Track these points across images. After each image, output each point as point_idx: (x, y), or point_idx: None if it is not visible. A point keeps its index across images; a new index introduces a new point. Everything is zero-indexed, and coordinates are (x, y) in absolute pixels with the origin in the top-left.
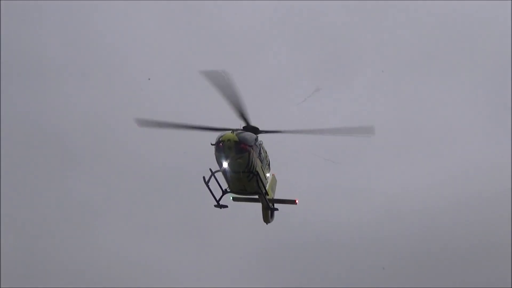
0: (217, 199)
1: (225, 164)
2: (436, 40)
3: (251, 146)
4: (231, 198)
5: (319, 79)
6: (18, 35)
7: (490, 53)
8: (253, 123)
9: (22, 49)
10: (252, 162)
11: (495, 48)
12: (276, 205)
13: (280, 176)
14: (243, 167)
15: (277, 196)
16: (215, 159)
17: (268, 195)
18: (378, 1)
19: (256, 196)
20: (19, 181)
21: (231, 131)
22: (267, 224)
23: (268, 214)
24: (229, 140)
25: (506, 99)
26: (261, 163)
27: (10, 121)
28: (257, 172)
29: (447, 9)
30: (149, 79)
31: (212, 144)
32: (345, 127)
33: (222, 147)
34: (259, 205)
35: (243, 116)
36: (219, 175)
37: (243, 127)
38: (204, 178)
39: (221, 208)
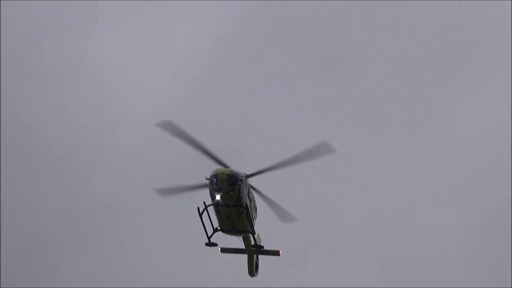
0: (208, 236)
1: (217, 197)
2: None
3: (241, 180)
4: (219, 249)
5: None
6: None
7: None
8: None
9: None
10: (242, 195)
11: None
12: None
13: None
14: (234, 200)
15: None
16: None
17: (255, 234)
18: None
19: (244, 249)
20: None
21: (224, 166)
22: (252, 277)
23: (253, 265)
24: (222, 173)
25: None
26: (250, 202)
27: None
28: (247, 205)
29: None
30: (111, 82)
31: (206, 179)
32: (304, 152)
33: (216, 180)
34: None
35: (217, 161)
36: (211, 214)
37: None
38: (198, 208)
39: (211, 246)
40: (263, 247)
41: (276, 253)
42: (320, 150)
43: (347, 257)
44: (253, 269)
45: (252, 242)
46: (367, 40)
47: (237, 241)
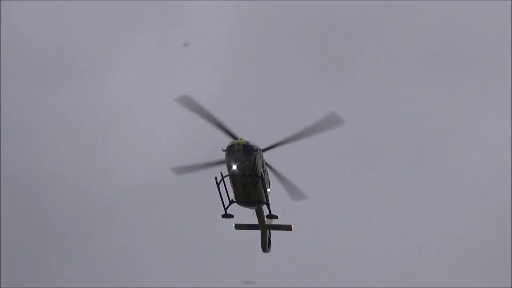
0: (225, 207)
1: (234, 167)
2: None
3: (256, 151)
4: (234, 226)
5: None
6: None
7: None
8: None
9: None
10: (257, 165)
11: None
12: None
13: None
14: (250, 170)
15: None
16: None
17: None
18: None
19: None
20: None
21: (240, 138)
22: (265, 253)
23: (266, 240)
24: (238, 144)
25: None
26: (264, 174)
27: None
28: (262, 175)
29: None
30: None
31: (223, 150)
32: (315, 124)
33: (232, 151)
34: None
35: (230, 134)
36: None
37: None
38: (216, 178)
39: (227, 218)
40: (277, 217)
41: (288, 227)
42: (330, 121)
43: None
44: (266, 245)
45: (266, 213)
46: (367, 79)
47: (251, 217)
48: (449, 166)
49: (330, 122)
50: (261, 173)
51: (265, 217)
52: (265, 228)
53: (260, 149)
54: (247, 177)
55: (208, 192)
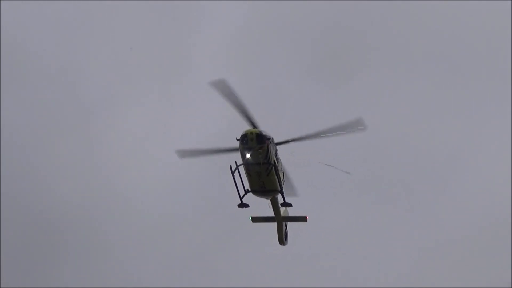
0: (241, 196)
1: (248, 155)
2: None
3: (269, 139)
4: (250, 219)
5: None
6: None
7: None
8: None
9: None
10: (270, 154)
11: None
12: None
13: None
14: (263, 158)
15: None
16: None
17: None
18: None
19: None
20: None
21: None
22: (282, 245)
23: (282, 232)
24: (251, 133)
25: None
26: (277, 162)
27: None
28: (275, 163)
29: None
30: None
31: (237, 139)
32: (337, 126)
33: (246, 140)
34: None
35: (251, 121)
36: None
37: None
38: (230, 167)
39: (243, 207)
40: (291, 205)
41: (303, 219)
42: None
43: None
44: (282, 237)
45: (281, 201)
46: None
47: (266, 210)
48: (450, 195)
49: (352, 126)
50: (274, 161)
51: (280, 208)
52: (281, 220)
53: (272, 138)
54: (260, 165)
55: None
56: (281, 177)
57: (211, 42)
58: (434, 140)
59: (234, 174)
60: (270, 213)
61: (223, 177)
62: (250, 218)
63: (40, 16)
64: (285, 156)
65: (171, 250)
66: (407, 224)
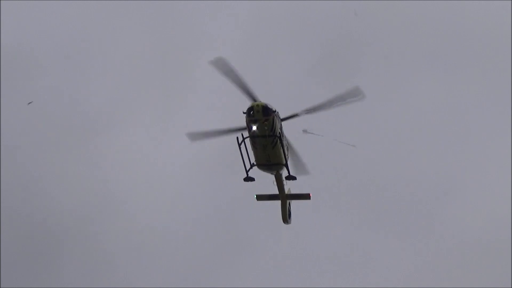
0: (247, 169)
1: (254, 127)
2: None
3: (274, 112)
4: (255, 197)
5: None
6: None
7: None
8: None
9: None
10: (275, 126)
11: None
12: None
13: None
14: (269, 130)
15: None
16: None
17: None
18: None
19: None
20: None
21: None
22: (285, 224)
23: (286, 211)
24: (257, 105)
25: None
26: (282, 137)
27: None
28: (280, 135)
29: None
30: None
31: (243, 112)
32: (336, 96)
33: (252, 112)
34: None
35: (252, 97)
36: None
37: None
38: (237, 138)
39: (249, 181)
40: (295, 178)
41: (307, 196)
42: (351, 95)
43: None
44: (286, 215)
45: (286, 174)
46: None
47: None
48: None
49: (351, 95)
50: (279, 133)
51: (284, 185)
52: (285, 198)
53: (277, 111)
54: (266, 137)
55: None
56: (287, 153)
57: (213, 42)
58: (432, 162)
59: (241, 147)
60: (274, 191)
61: (223, 185)
62: (255, 196)
63: (40, 16)
64: (295, 133)
65: (172, 262)
66: (406, 233)
